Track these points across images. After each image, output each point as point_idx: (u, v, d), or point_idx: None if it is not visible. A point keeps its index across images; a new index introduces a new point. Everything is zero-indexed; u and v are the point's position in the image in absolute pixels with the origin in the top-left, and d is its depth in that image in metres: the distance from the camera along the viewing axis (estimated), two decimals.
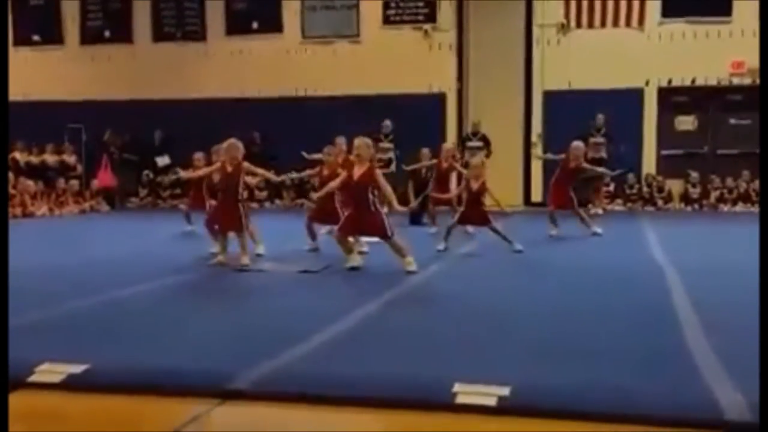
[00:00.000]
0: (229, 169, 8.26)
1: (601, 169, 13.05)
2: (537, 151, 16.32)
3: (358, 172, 7.83)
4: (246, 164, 8.50)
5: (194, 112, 17.32)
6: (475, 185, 9.26)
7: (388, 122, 16.17)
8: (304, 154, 12.49)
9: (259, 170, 9.08)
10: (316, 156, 10.64)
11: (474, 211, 9.28)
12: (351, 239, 8.29)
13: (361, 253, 8.41)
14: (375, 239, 8.15)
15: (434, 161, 12.26)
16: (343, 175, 8.17)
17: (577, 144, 11.42)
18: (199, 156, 11.66)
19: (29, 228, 13.42)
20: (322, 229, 9.55)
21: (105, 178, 17.74)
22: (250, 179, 9.15)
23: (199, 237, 11.14)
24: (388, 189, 7.99)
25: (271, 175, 9.84)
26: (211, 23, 18.56)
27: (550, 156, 11.85)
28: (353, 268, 7.77)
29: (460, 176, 12.01)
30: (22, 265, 8.11)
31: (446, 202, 11.46)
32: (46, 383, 3.96)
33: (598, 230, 10.95)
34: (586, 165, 11.60)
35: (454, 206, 10.57)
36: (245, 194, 8.72)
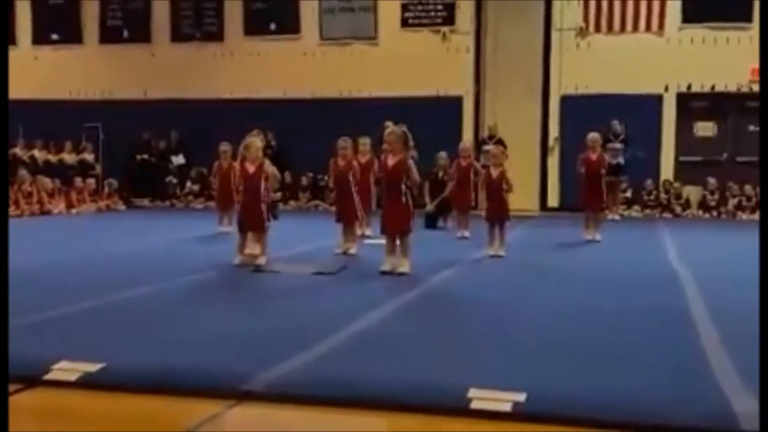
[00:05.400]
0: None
1: (618, 145, 12.84)
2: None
3: (391, 162, 7.62)
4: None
5: (211, 113, 17.33)
6: (495, 172, 9.30)
7: (402, 126, 16.09)
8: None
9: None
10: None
11: (496, 204, 9.30)
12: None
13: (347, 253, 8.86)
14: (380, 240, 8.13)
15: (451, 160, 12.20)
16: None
17: (593, 135, 11.28)
18: (225, 148, 11.70)
19: (46, 225, 13.50)
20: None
21: None
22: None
23: (215, 238, 11.19)
24: (417, 179, 7.80)
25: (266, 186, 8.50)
26: (229, 24, 18.58)
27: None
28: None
29: (477, 175, 11.98)
30: (38, 262, 8.17)
31: (468, 206, 11.54)
32: (62, 381, 3.97)
33: (598, 238, 10.90)
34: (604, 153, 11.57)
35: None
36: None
